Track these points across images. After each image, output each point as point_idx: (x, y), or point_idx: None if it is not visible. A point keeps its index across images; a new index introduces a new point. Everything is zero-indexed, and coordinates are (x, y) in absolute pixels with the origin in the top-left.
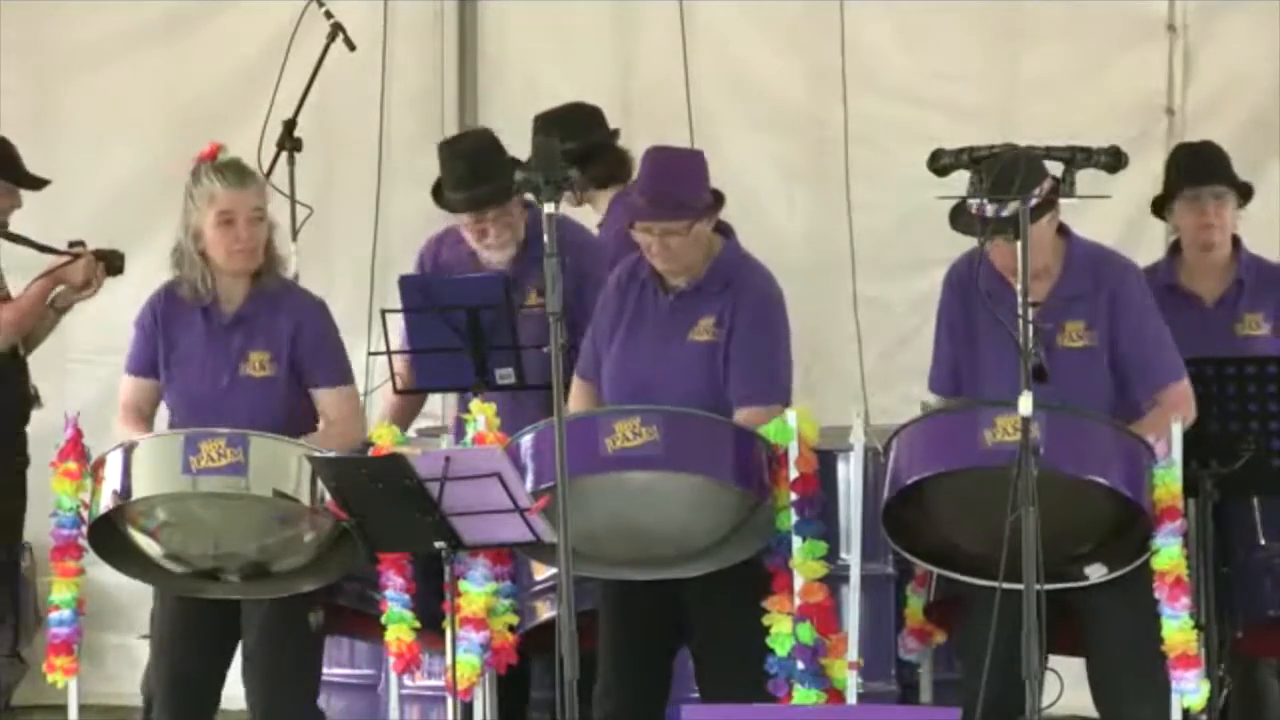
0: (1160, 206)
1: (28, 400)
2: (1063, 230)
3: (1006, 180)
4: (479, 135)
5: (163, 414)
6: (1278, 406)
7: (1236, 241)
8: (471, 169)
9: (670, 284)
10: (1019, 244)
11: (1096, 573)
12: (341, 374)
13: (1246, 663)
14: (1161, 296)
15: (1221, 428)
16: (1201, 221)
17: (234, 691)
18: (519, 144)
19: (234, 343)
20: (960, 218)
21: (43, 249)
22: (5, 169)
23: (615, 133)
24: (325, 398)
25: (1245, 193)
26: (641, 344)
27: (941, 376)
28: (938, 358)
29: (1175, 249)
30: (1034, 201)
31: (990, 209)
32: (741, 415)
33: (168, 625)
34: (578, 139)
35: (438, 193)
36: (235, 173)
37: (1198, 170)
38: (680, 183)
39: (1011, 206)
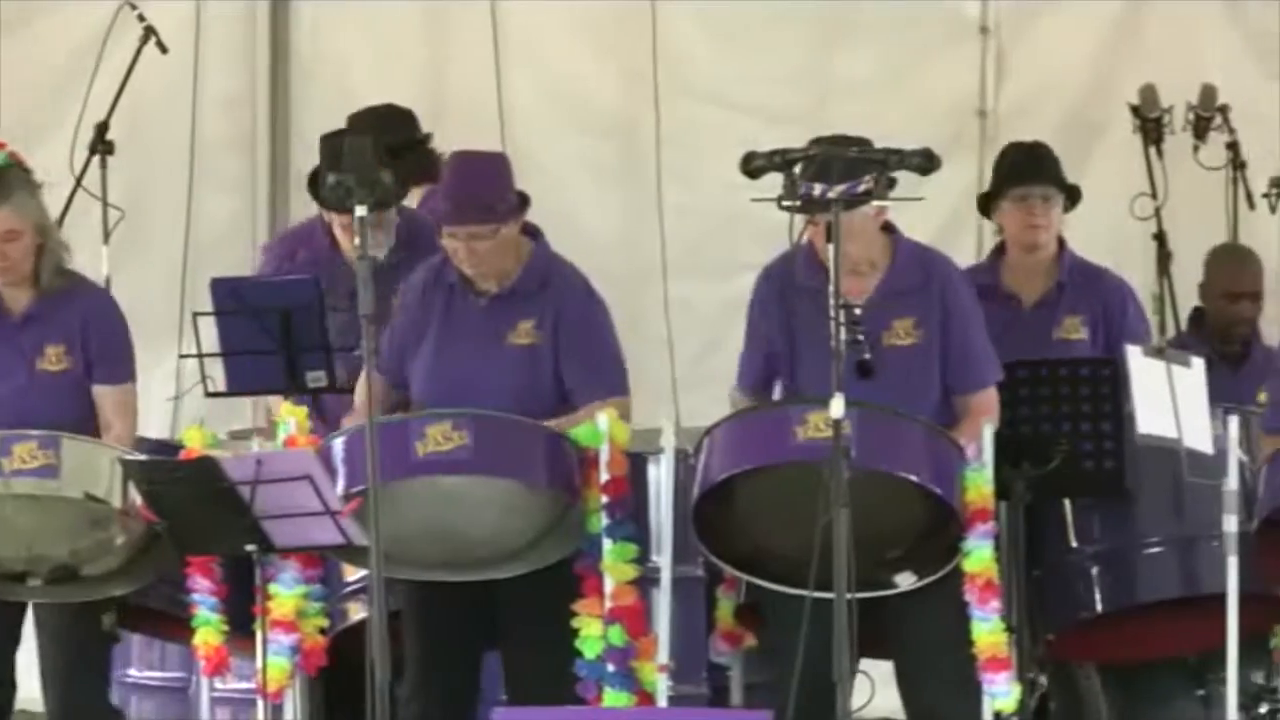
0: (986, 205)
1: None
2: (889, 227)
3: (824, 168)
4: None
5: None
6: (1090, 409)
7: (1062, 243)
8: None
9: (481, 287)
10: (830, 246)
11: (906, 580)
12: (126, 372)
13: (1065, 666)
14: (980, 297)
15: (1033, 430)
16: (1028, 222)
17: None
18: None
19: (27, 340)
20: (789, 197)
21: None
22: None
23: (428, 136)
24: (106, 396)
25: (1073, 195)
26: (456, 348)
27: (750, 373)
28: (748, 354)
29: (999, 250)
30: (862, 188)
31: (817, 190)
32: (589, 411)
33: None
34: (391, 136)
35: (315, 185)
36: None
37: (1026, 169)
38: (485, 186)
39: (838, 189)
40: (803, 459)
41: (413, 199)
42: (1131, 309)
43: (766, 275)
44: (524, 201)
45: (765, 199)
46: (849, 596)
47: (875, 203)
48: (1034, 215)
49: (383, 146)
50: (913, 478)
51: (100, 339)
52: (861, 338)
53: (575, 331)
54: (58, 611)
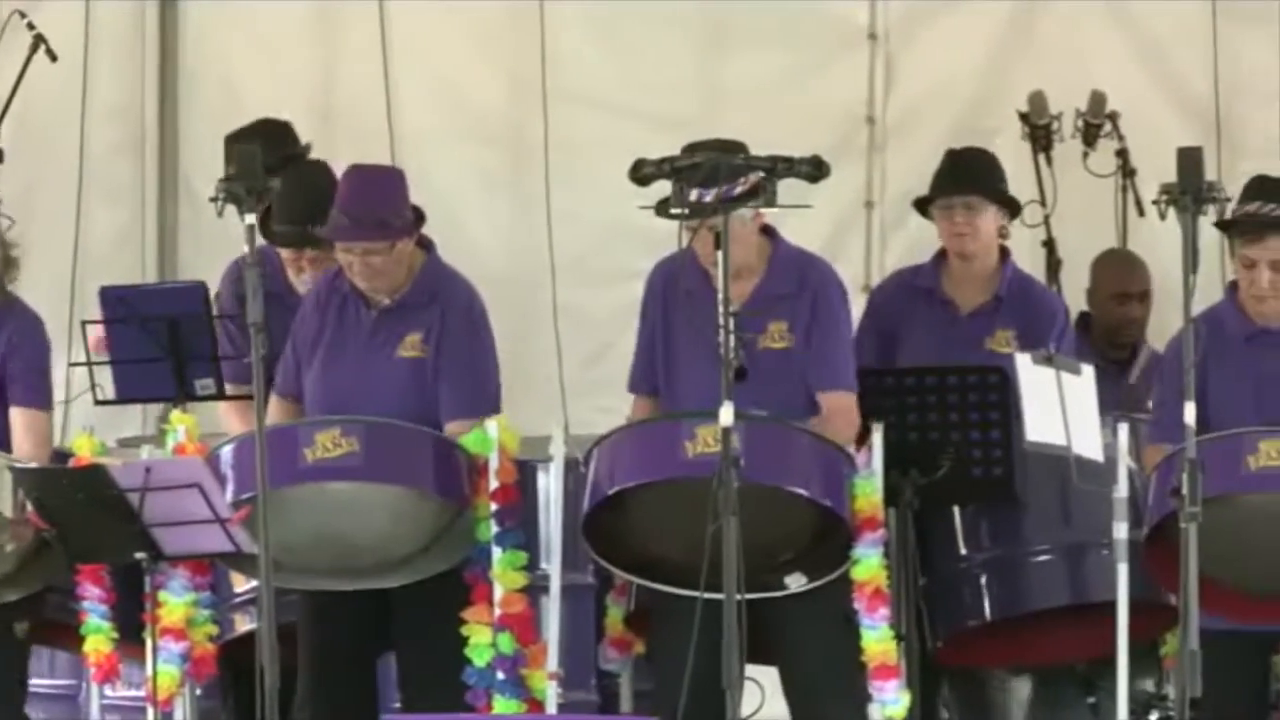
0: (924, 208)
1: None
2: (768, 231)
3: (702, 173)
4: (318, 170)
5: None
6: (978, 416)
7: (1005, 255)
8: (306, 205)
9: (374, 300)
10: (715, 252)
11: (796, 582)
12: (39, 397)
13: (975, 674)
14: (915, 298)
15: (921, 437)
16: (951, 230)
17: None
18: (219, 155)
19: None
20: (666, 206)
21: None
22: None
23: (307, 147)
24: (18, 418)
25: (1007, 203)
26: (346, 360)
27: (638, 377)
28: (637, 359)
29: (942, 254)
30: (739, 190)
31: (694, 194)
32: (450, 430)
33: None
34: (268, 154)
35: (265, 226)
36: None
37: (949, 179)
38: (381, 202)
39: (714, 192)
40: (692, 475)
41: None
42: (1058, 328)
43: (652, 277)
44: (419, 217)
45: (647, 206)
46: (739, 598)
47: (763, 209)
48: (956, 225)
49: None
50: (802, 492)
51: (20, 361)
52: (742, 340)
53: (453, 350)
54: None
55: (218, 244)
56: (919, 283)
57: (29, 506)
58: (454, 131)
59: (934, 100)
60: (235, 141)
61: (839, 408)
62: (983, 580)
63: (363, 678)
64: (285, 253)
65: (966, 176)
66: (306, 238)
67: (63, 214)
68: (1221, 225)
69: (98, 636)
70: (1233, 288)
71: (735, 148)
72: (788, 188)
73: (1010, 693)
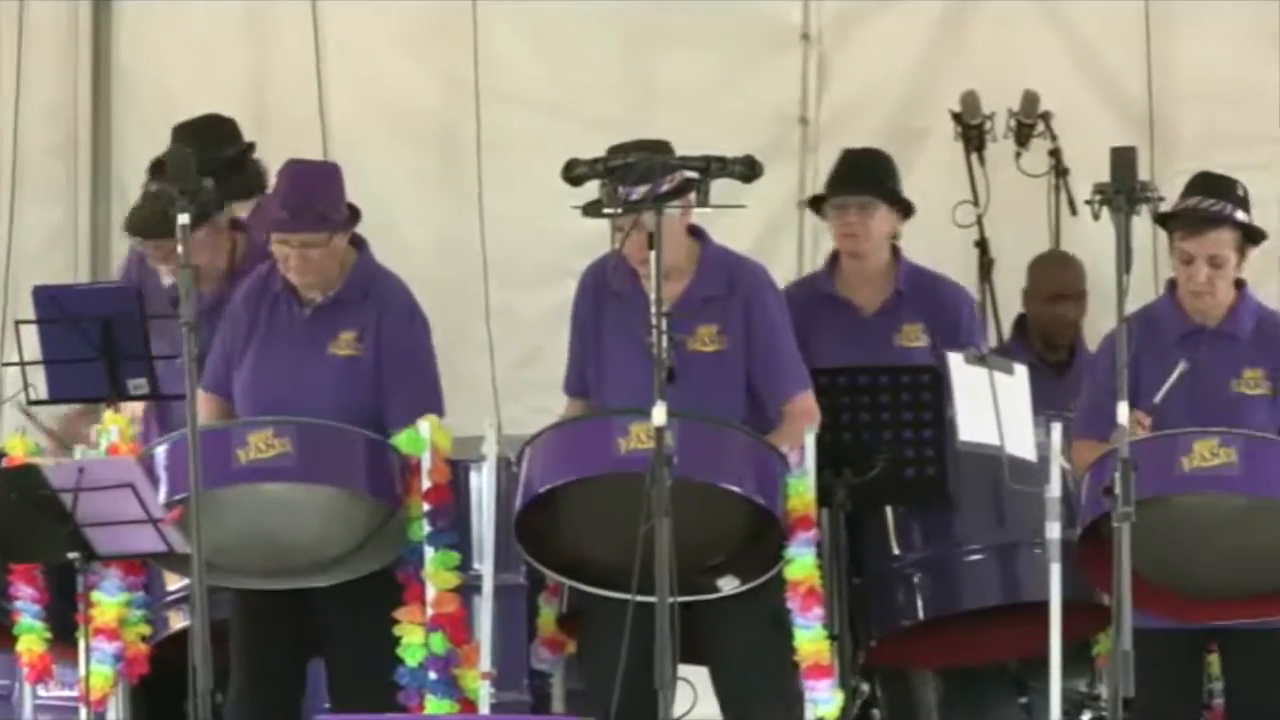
0: (817, 206)
1: None
2: (696, 233)
3: (637, 172)
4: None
5: None
6: (911, 416)
7: (896, 252)
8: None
9: (307, 297)
10: (652, 253)
11: (729, 585)
12: None
13: (897, 673)
14: (819, 305)
15: (854, 437)
16: (842, 230)
17: None
18: (152, 154)
19: None
20: (593, 207)
21: None
22: None
23: (251, 145)
24: None
25: (896, 203)
26: (278, 358)
27: (574, 379)
28: (571, 361)
29: (834, 259)
30: (665, 187)
31: (619, 193)
32: None
33: None
34: (216, 150)
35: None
36: None
37: (841, 178)
38: (320, 195)
39: (640, 191)
40: (625, 470)
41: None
42: (965, 317)
43: (584, 277)
44: (355, 213)
45: (579, 206)
46: (671, 600)
47: (696, 208)
48: (848, 224)
49: (215, 161)
50: (736, 489)
51: None
52: (672, 341)
53: (393, 353)
54: None
55: None
56: (818, 289)
57: None
58: (386, 132)
59: (867, 100)
60: (180, 134)
61: (799, 410)
62: (916, 580)
63: (296, 678)
64: (146, 244)
65: (860, 177)
66: (160, 227)
67: None
68: (1160, 220)
69: (31, 636)
70: (1172, 285)
71: (660, 148)
72: (721, 188)
73: (939, 693)
